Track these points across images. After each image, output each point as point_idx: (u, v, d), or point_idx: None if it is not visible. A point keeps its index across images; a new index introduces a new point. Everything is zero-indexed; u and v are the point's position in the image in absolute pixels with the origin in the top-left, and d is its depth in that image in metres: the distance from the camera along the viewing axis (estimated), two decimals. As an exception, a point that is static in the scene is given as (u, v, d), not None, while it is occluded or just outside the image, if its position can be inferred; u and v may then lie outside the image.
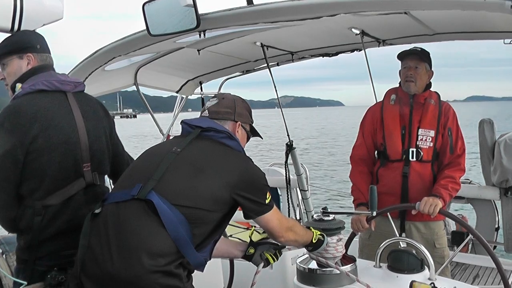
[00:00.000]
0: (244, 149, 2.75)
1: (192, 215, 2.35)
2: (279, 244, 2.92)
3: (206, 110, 2.76)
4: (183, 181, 2.41)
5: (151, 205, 2.31)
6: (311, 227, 2.93)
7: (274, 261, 2.93)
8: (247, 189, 2.51)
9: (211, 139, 2.61)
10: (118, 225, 2.32)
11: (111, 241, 2.29)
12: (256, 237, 5.00)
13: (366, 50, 4.62)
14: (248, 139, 2.89)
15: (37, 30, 2.17)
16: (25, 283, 2.58)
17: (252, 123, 2.89)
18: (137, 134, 58.06)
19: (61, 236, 2.71)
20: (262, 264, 2.88)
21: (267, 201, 2.60)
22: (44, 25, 2.15)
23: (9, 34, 2.59)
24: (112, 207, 2.40)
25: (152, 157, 2.60)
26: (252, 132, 2.90)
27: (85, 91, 3.03)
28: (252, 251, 2.91)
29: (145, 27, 3.44)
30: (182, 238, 2.30)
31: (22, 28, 1.94)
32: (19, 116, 2.64)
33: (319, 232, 2.91)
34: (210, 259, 2.57)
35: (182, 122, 2.74)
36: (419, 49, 3.89)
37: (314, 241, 2.87)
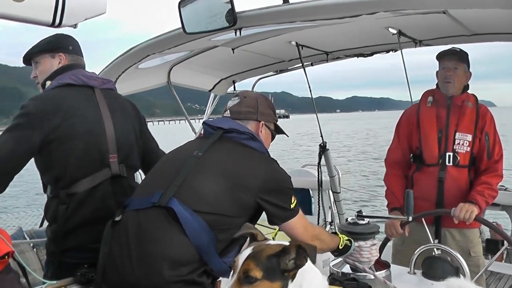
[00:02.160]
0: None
1: (215, 221, 2.30)
2: None
3: (228, 110, 2.69)
4: (205, 187, 2.35)
5: (172, 212, 2.27)
6: (338, 232, 2.87)
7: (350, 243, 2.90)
8: (271, 193, 2.44)
9: (233, 141, 2.54)
10: (139, 233, 2.29)
11: (131, 250, 2.27)
12: (285, 238, 4.96)
13: (402, 50, 4.53)
14: (273, 138, 2.82)
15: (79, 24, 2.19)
16: (48, 282, 2.57)
17: (276, 121, 2.80)
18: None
19: (86, 227, 2.72)
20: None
21: (292, 206, 2.53)
22: (86, 19, 2.14)
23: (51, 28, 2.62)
24: (133, 215, 2.37)
25: (172, 161, 2.55)
26: (277, 131, 2.82)
27: (117, 89, 3.13)
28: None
29: (180, 26, 3.44)
30: (204, 246, 2.25)
31: (64, 22, 1.94)
32: (44, 104, 2.72)
33: (346, 238, 2.85)
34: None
35: (204, 123, 2.69)
36: (458, 49, 3.80)
37: (340, 247, 2.81)
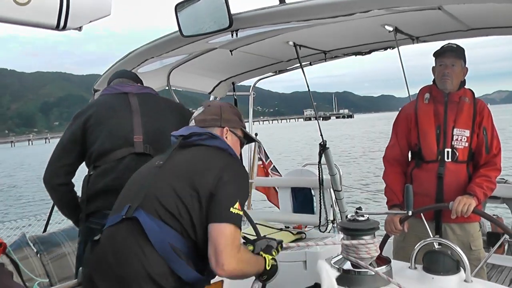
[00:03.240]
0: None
1: (181, 226, 2.31)
2: (275, 239, 2.70)
3: (193, 120, 2.73)
4: (167, 193, 2.36)
5: (139, 223, 2.29)
6: (261, 253, 2.59)
7: (275, 262, 2.63)
8: (219, 184, 2.35)
9: (194, 144, 2.57)
10: (112, 253, 2.33)
11: (110, 271, 2.30)
12: (288, 238, 4.99)
13: (399, 47, 4.55)
14: (242, 144, 2.81)
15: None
16: (40, 280, 2.68)
17: (244, 128, 2.81)
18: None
19: (107, 194, 3.11)
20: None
21: (231, 209, 2.32)
22: (91, 21, 2.15)
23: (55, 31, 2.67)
24: (108, 232, 2.43)
25: (139, 175, 2.61)
26: (246, 137, 2.83)
27: None
28: (251, 248, 2.61)
29: (177, 29, 3.47)
30: (169, 254, 2.26)
31: (68, 25, 1.96)
32: (85, 106, 3.44)
33: (270, 257, 2.60)
34: None
35: (171, 134, 2.71)
36: (455, 46, 3.81)
37: (268, 267, 2.54)
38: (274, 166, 7.84)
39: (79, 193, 3.41)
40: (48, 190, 3.36)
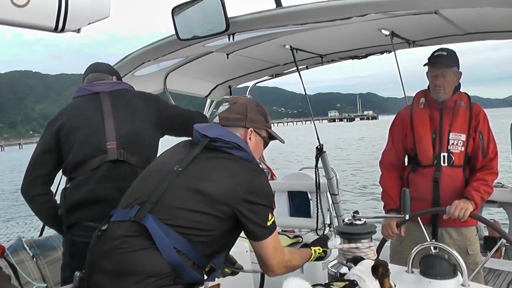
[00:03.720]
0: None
1: (191, 235, 2.29)
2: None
3: (217, 117, 2.62)
4: (182, 203, 2.32)
5: (146, 228, 2.28)
6: (312, 247, 2.81)
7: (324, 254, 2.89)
8: (249, 205, 2.35)
9: (218, 150, 2.46)
10: (115, 248, 2.32)
11: (108, 265, 2.31)
12: (285, 242, 4.99)
13: (396, 51, 4.55)
14: (266, 145, 2.71)
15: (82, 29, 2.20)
16: (37, 285, 2.67)
17: (269, 128, 2.70)
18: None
19: (84, 206, 3.06)
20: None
21: (268, 223, 2.41)
22: (89, 23, 2.12)
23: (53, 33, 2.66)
24: (114, 227, 2.39)
25: (155, 174, 2.51)
26: (270, 138, 2.72)
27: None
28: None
29: (174, 32, 3.47)
30: (176, 261, 2.25)
31: (67, 27, 1.93)
32: (55, 114, 3.32)
33: (319, 250, 2.78)
34: (225, 263, 2.57)
35: (194, 128, 2.59)
36: (445, 54, 3.74)
37: (311, 261, 2.77)
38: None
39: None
40: (27, 201, 3.27)
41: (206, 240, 2.33)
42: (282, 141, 2.81)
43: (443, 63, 3.71)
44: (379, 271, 2.55)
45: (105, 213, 2.52)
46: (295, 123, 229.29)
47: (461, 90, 3.84)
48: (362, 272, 2.54)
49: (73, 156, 3.14)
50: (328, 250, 2.84)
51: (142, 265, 2.23)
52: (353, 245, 2.92)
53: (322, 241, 2.89)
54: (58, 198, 3.28)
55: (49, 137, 3.22)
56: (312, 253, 2.76)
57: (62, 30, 1.99)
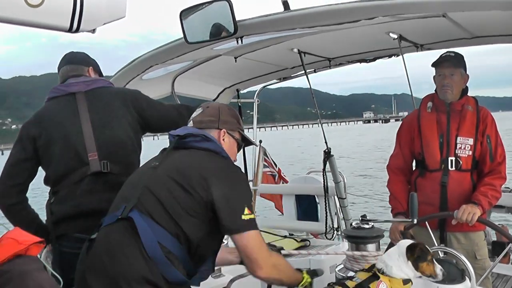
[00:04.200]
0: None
1: (175, 228, 2.32)
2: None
3: (191, 121, 2.71)
4: (161, 195, 2.38)
5: (133, 224, 2.31)
6: (303, 272, 2.69)
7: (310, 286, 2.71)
8: (222, 194, 2.37)
9: (189, 145, 2.56)
10: (105, 252, 2.34)
11: (103, 270, 2.32)
12: (292, 245, 4.97)
13: (404, 55, 4.54)
14: (239, 147, 2.78)
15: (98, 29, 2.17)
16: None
17: (242, 130, 2.78)
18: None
19: (69, 220, 2.96)
20: None
21: (243, 217, 2.37)
22: (105, 23, 2.09)
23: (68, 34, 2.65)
24: (103, 232, 2.44)
25: (135, 176, 2.62)
26: (244, 140, 2.80)
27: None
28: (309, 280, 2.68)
29: (182, 35, 3.47)
30: (159, 257, 2.27)
31: (82, 27, 1.90)
32: (30, 120, 3.15)
33: (309, 280, 2.68)
34: (213, 271, 2.56)
35: (169, 133, 2.71)
36: (453, 54, 3.76)
37: (300, 287, 2.64)
38: (282, 173, 7.81)
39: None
40: (2, 211, 3.14)
41: (189, 235, 2.34)
42: (255, 144, 2.91)
43: (451, 62, 3.71)
44: (415, 251, 2.54)
45: (93, 225, 2.57)
46: (329, 124, 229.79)
47: (478, 93, 3.82)
48: (390, 259, 2.54)
49: (54, 169, 3.04)
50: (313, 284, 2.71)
51: (133, 266, 2.26)
52: (357, 253, 2.92)
53: (313, 273, 2.75)
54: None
55: (25, 144, 3.08)
56: (303, 278, 2.65)
57: (77, 30, 1.97)
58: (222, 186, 2.39)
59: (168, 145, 2.69)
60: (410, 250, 2.58)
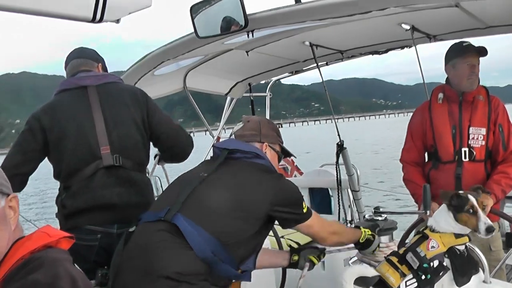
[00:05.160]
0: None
1: (222, 234, 2.35)
2: (319, 247, 3.00)
3: (233, 135, 2.82)
4: (210, 203, 2.42)
5: (176, 227, 2.33)
6: (361, 227, 2.92)
7: (318, 262, 2.99)
8: (282, 205, 2.55)
9: (240, 160, 2.63)
10: (145, 247, 2.35)
11: (137, 264, 2.33)
12: (306, 238, 4.97)
13: (416, 46, 4.51)
14: (279, 159, 2.89)
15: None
16: None
17: (282, 143, 2.89)
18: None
19: (82, 213, 2.96)
20: (306, 268, 2.92)
21: (304, 211, 2.65)
22: (130, 13, 2.05)
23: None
24: (143, 227, 2.46)
25: (181, 181, 2.65)
26: (283, 152, 2.91)
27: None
28: (296, 257, 2.96)
29: (193, 30, 3.47)
30: (210, 257, 2.30)
31: (105, 17, 1.87)
32: (41, 111, 3.11)
33: (369, 232, 2.90)
34: (254, 268, 2.60)
35: (213, 146, 2.78)
36: (473, 45, 3.74)
37: (361, 241, 2.89)
38: (296, 165, 7.82)
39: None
40: None
41: (235, 241, 2.38)
42: (294, 156, 3.08)
43: (476, 51, 3.69)
44: (451, 200, 2.52)
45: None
46: (396, 115, 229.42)
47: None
48: (438, 213, 2.63)
49: (66, 165, 3.03)
50: (376, 236, 2.95)
51: (175, 262, 2.26)
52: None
53: (372, 226, 3.01)
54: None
55: (36, 134, 3.04)
56: (362, 232, 2.91)
57: (100, 20, 1.94)
58: (281, 203, 2.55)
59: (212, 155, 2.78)
60: (446, 198, 2.55)
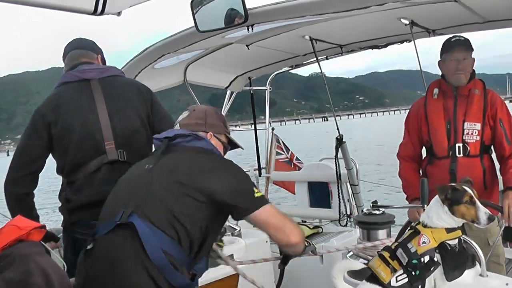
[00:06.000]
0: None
1: (175, 232, 2.29)
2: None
3: (178, 124, 2.71)
4: (160, 199, 2.34)
5: (132, 230, 2.27)
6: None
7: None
8: (227, 189, 2.39)
9: (180, 146, 2.54)
10: (110, 261, 2.29)
11: (104, 281, 2.28)
12: (305, 232, 4.99)
13: (415, 41, 4.52)
14: (225, 150, 2.78)
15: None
16: None
17: (229, 133, 2.79)
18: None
19: (88, 208, 2.92)
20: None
21: (255, 195, 2.42)
22: (131, 6, 2.04)
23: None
24: (102, 241, 2.37)
25: (127, 180, 2.57)
26: (230, 144, 2.80)
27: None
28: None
29: (193, 24, 3.48)
30: (162, 260, 2.24)
31: (107, 10, 1.84)
32: (44, 104, 3.08)
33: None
34: (207, 269, 2.54)
35: (153, 137, 2.69)
36: (463, 38, 3.73)
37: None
38: (296, 156, 7.79)
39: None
40: (12, 199, 3.04)
41: (183, 232, 2.30)
42: (241, 147, 2.91)
43: (464, 46, 3.68)
44: (447, 193, 2.52)
45: None
46: (507, 101, 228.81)
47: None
48: (430, 209, 2.59)
49: (71, 159, 3.00)
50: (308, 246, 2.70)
51: (136, 274, 2.22)
52: (369, 244, 2.94)
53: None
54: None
55: (40, 130, 3.01)
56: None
57: (102, 12, 1.94)
58: (224, 179, 2.41)
59: (154, 148, 2.69)
60: (439, 192, 2.54)
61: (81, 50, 3.24)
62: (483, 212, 2.51)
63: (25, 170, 3.02)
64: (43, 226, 1.84)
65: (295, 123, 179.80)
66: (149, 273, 2.22)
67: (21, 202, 3.05)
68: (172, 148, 2.55)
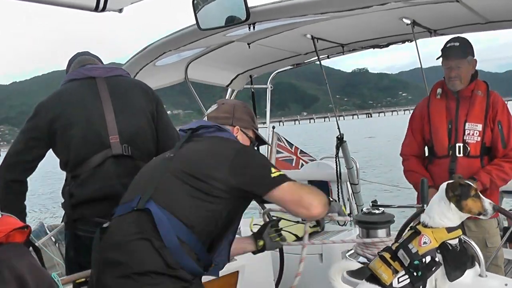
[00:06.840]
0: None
1: (190, 220, 2.31)
2: (271, 219, 2.88)
3: (206, 117, 2.74)
4: (178, 186, 2.37)
5: (149, 215, 2.30)
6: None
7: (282, 238, 2.81)
8: (245, 172, 2.39)
9: (202, 136, 2.57)
10: (122, 241, 2.33)
11: (116, 259, 2.31)
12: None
13: (417, 41, 4.52)
14: (252, 145, 2.77)
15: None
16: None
17: (256, 129, 2.79)
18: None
19: (91, 203, 2.94)
20: (302, 264, 2.81)
21: (273, 175, 2.39)
22: (132, 3, 2.03)
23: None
24: (117, 221, 2.43)
25: (149, 167, 2.61)
26: (257, 139, 2.80)
27: None
28: (261, 243, 2.76)
29: (195, 22, 3.48)
30: (175, 247, 2.26)
31: (108, 6, 1.83)
32: (48, 99, 3.09)
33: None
34: (228, 261, 2.55)
35: (179, 130, 2.73)
36: (457, 44, 3.72)
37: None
38: (301, 149, 7.73)
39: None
40: (0, 185, 3.03)
41: (200, 221, 2.33)
42: (268, 144, 2.88)
43: (456, 55, 3.68)
44: (455, 189, 2.52)
45: (112, 210, 2.55)
46: None
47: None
48: (431, 209, 2.58)
49: (75, 154, 2.99)
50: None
51: (148, 256, 2.25)
52: (368, 240, 2.94)
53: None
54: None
55: (40, 122, 3.01)
56: None
57: (103, 9, 1.91)
58: (241, 163, 2.40)
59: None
60: (449, 189, 2.54)
61: (88, 56, 3.30)
62: (487, 203, 2.53)
63: (16, 157, 3.01)
64: (27, 226, 1.79)
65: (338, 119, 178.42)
66: (159, 252, 2.25)
67: (7, 188, 3.02)
68: (194, 138, 2.58)
